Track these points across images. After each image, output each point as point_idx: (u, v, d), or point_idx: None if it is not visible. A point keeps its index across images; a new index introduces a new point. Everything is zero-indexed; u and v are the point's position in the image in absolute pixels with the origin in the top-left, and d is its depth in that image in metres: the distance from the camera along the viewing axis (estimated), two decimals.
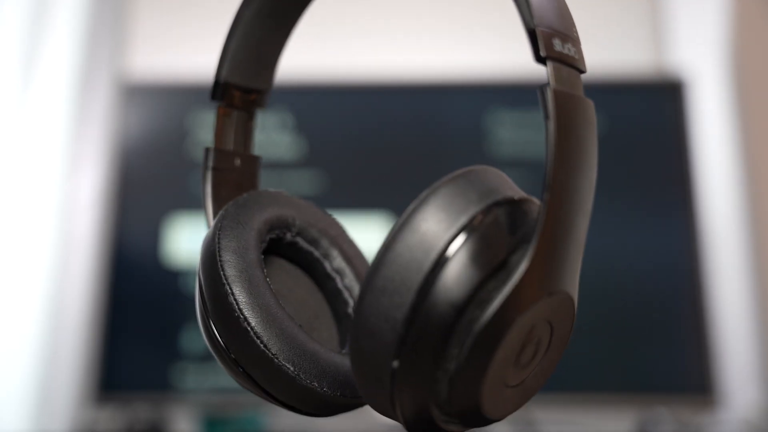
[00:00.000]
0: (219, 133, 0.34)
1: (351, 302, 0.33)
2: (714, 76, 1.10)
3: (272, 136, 1.05)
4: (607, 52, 1.11)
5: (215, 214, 0.32)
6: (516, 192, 0.26)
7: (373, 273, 0.24)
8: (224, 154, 0.33)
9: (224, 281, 0.28)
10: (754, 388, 1.00)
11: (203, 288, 0.29)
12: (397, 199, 1.02)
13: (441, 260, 0.23)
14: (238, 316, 0.27)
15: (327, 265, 0.33)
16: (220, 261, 0.28)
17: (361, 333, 0.24)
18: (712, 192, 1.06)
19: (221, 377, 0.97)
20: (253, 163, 0.35)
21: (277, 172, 1.04)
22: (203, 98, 1.08)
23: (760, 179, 1.05)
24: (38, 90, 1.04)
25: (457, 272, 0.23)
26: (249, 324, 0.27)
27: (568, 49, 0.26)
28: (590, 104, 0.25)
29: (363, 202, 1.02)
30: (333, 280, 0.33)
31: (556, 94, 0.24)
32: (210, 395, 0.96)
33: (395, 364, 0.23)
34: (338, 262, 0.33)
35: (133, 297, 1.00)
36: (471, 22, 1.19)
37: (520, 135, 1.04)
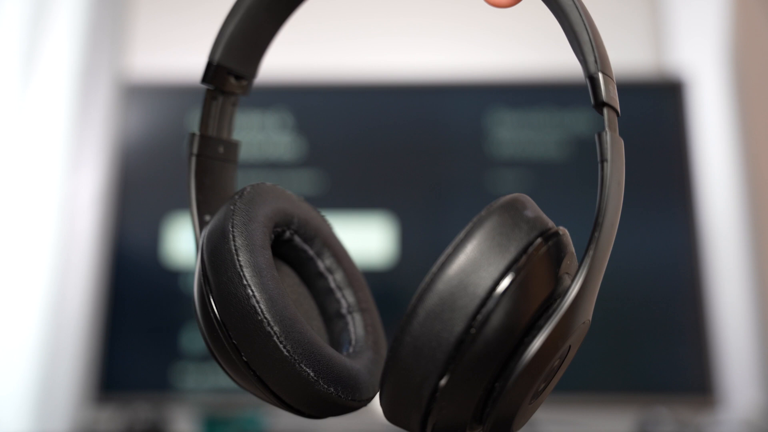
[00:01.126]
0: (205, 118, 0.33)
1: (344, 302, 0.33)
2: (714, 76, 1.10)
3: (272, 136, 1.05)
4: (607, 52, 1.11)
5: (198, 202, 0.32)
6: (549, 221, 0.27)
7: (426, 291, 0.24)
8: (209, 140, 0.33)
9: (246, 283, 0.27)
10: (754, 388, 1.00)
11: (216, 286, 0.28)
12: (396, 199, 1.02)
13: (496, 287, 0.24)
14: (261, 319, 0.27)
15: (320, 263, 0.33)
16: (239, 261, 0.27)
17: (407, 350, 0.24)
18: (712, 192, 1.06)
19: (221, 377, 0.97)
20: (234, 150, 0.35)
21: (277, 172, 1.04)
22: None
23: (760, 179, 1.05)
24: (38, 90, 1.04)
25: (510, 300, 0.24)
26: (272, 328, 0.27)
27: (614, 94, 0.27)
28: (623, 143, 0.27)
29: (363, 202, 1.02)
30: (325, 279, 0.33)
31: (613, 140, 0.26)
32: (210, 395, 0.96)
33: (443, 382, 0.24)
34: (330, 261, 0.33)
35: (133, 297, 1.00)
36: (471, 22, 1.19)
37: (520, 135, 1.04)
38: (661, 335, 0.96)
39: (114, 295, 1.00)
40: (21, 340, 0.97)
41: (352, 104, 1.06)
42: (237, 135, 0.35)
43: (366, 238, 1.01)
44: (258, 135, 1.05)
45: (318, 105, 1.06)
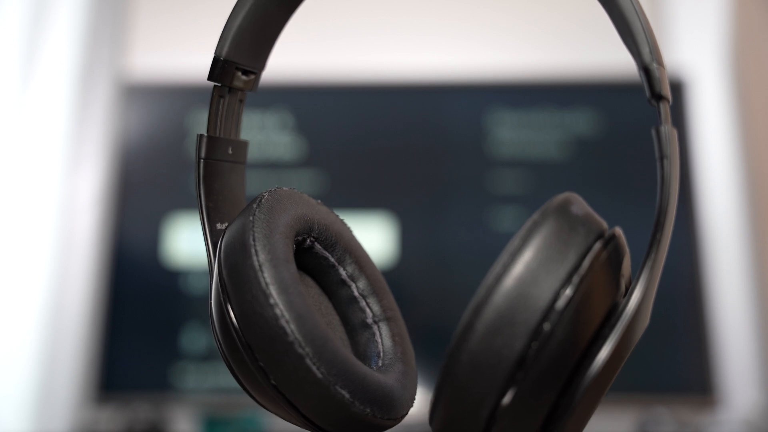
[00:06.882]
0: (213, 118, 0.31)
1: (368, 311, 0.32)
2: (714, 76, 1.10)
3: (272, 136, 1.05)
4: (607, 51, 1.11)
5: (209, 209, 0.30)
6: (603, 221, 0.26)
7: (483, 305, 0.23)
8: (218, 141, 0.31)
9: (273, 302, 0.25)
10: (754, 388, 1.00)
11: (239, 306, 0.26)
12: (396, 199, 1.02)
13: (557, 298, 0.23)
14: (292, 340, 0.25)
15: (342, 271, 0.32)
16: (264, 278, 0.26)
17: (465, 368, 0.23)
18: (713, 192, 1.06)
19: (221, 377, 0.97)
20: (243, 150, 0.33)
21: (277, 172, 1.04)
22: (203, 98, 1.08)
23: (760, 179, 1.05)
24: (38, 90, 1.04)
25: (573, 311, 0.23)
26: (304, 349, 0.25)
27: (667, 84, 0.26)
28: (677, 134, 0.26)
29: (363, 202, 1.02)
30: (348, 287, 0.32)
31: (671, 135, 0.25)
32: (210, 395, 0.96)
33: (504, 401, 0.23)
34: (352, 268, 0.32)
35: (133, 297, 1.00)
36: (471, 22, 1.19)
37: (520, 135, 1.04)
38: (661, 335, 0.96)
39: (114, 295, 0.99)
40: (21, 341, 0.97)
41: (352, 104, 1.06)
42: None
43: (366, 239, 1.01)
44: (258, 135, 1.05)
45: (318, 105, 1.06)
